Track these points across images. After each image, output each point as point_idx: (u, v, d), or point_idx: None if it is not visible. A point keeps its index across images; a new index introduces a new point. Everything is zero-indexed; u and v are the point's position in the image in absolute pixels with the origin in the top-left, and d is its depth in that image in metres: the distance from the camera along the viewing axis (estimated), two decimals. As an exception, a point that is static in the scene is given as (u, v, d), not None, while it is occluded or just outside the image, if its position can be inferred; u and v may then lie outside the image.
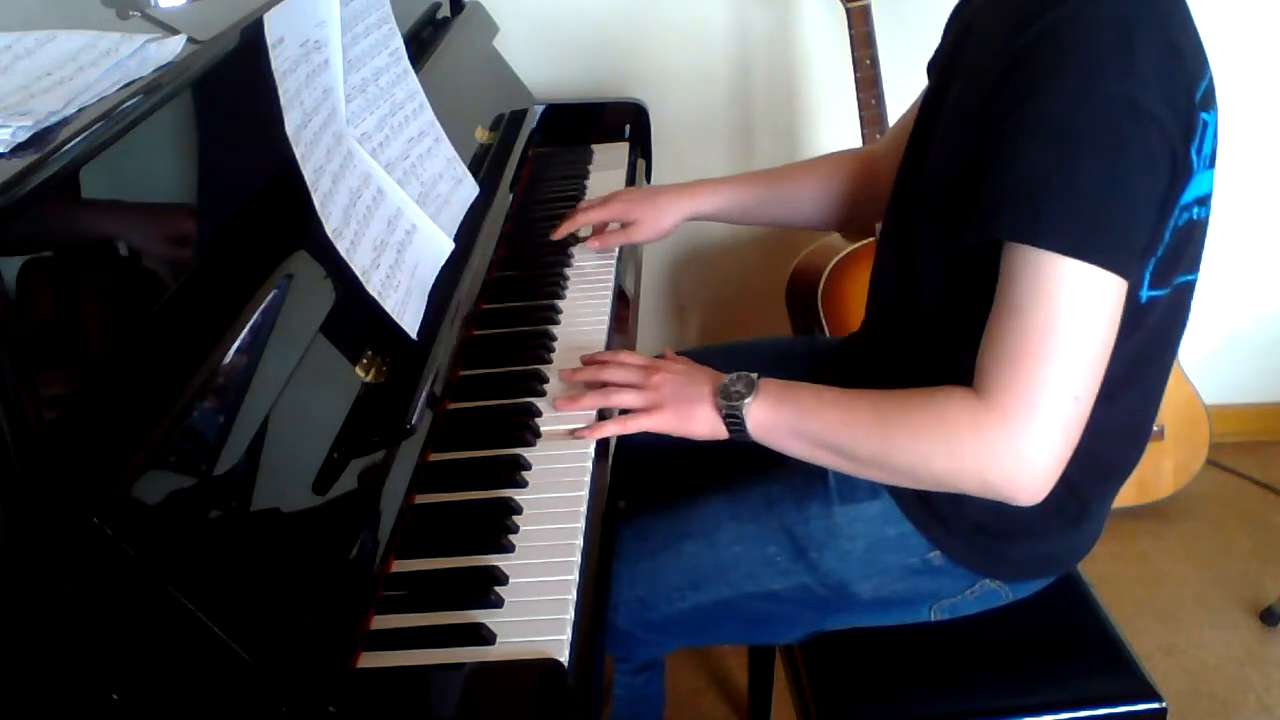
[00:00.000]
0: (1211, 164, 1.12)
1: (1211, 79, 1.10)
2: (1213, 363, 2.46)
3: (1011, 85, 1.03)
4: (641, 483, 1.60)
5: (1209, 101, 1.08)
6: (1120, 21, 1.01)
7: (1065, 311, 1.00)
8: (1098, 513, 1.29)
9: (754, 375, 1.18)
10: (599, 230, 1.60)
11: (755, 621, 1.33)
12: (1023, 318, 1.02)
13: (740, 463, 1.39)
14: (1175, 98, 1.02)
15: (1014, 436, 1.02)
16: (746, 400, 1.16)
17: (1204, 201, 1.12)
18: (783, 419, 1.15)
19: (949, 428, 1.05)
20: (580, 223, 1.59)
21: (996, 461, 1.04)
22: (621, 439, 1.25)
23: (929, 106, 1.23)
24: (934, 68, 1.29)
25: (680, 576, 1.28)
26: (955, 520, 1.22)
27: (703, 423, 1.19)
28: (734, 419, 1.17)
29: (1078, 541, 1.30)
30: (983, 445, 1.04)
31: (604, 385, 1.25)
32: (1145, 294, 1.11)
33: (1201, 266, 1.18)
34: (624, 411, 1.24)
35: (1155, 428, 2.24)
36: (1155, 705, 1.26)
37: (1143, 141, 1.00)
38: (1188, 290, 1.17)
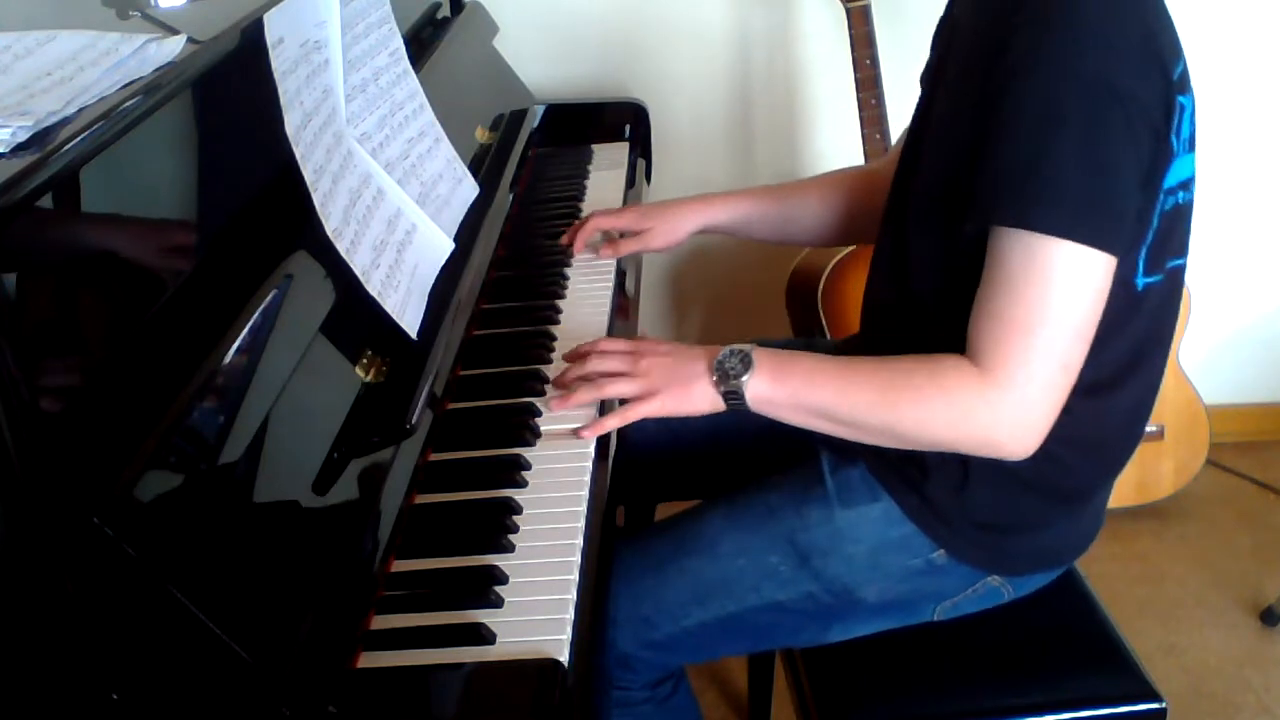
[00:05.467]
0: (1191, 147, 1.14)
1: (1185, 64, 1.13)
2: (1213, 363, 2.46)
3: (1000, 69, 1.06)
4: (637, 489, 1.60)
5: (1184, 85, 1.12)
6: (1100, 5, 1.04)
7: (1056, 289, 1.05)
8: (1097, 502, 1.30)
9: (748, 349, 1.18)
10: (609, 238, 1.60)
11: (760, 635, 1.34)
12: (1015, 294, 1.06)
13: (737, 469, 1.39)
14: (1153, 79, 1.05)
15: (1011, 403, 1.08)
16: (744, 378, 1.17)
17: (1187, 185, 1.15)
18: (783, 393, 1.17)
19: (951, 395, 1.10)
20: (590, 230, 1.59)
21: (996, 426, 1.09)
22: (621, 438, 1.25)
23: (920, 116, 1.26)
24: (924, 79, 1.31)
25: (684, 593, 1.27)
26: (957, 518, 1.22)
27: (702, 400, 1.20)
28: (733, 395, 1.18)
29: (1079, 532, 1.31)
30: (985, 412, 1.09)
31: (595, 379, 1.24)
32: (1141, 280, 1.13)
33: (1190, 251, 1.20)
34: (623, 402, 1.23)
35: (1155, 428, 2.24)
36: (1155, 705, 1.26)
37: (1123, 121, 1.03)
38: (1179, 274, 1.20)
